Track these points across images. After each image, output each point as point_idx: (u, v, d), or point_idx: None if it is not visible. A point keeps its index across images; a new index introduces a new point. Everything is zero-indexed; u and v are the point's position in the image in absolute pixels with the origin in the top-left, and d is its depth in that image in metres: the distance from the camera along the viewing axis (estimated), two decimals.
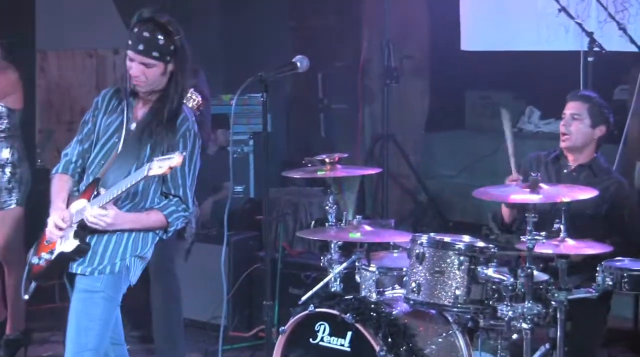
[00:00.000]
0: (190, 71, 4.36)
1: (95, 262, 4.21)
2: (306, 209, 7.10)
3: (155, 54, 4.14)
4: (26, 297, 4.39)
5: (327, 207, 5.31)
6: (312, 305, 4.79)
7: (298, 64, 4.42)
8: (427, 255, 4.68)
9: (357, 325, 4.60)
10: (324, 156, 5.37)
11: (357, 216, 5.21)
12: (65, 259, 4.21)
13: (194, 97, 5.38)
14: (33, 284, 4.35)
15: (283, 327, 4.83)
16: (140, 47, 4.13)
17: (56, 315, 7.00)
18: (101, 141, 4.31)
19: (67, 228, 4.20)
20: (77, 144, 4.42)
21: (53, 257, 4.23)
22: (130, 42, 4.17)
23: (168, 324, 5.71)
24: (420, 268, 4.69)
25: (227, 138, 7.68)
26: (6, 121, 6.04)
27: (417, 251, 4.71)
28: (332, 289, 5.16)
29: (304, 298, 5.13)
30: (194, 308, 6.38)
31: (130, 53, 4.18)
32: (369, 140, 8.27)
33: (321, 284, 5.20)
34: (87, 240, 4.19)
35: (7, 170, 6.05)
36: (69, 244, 4.18)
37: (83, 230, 4.18)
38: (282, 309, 5.92)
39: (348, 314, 4.63)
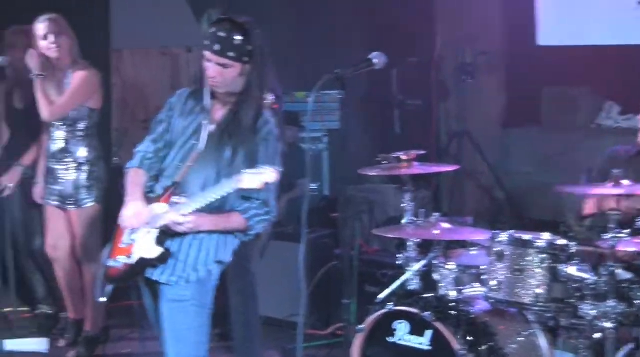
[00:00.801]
0: (269, 72, 4.30)
1: (179, 270, 4.17)
2: (381, 206, 7.05)
3: (231, 54, 4.08)
4: (103, 300, 4.34)
5: (404, 205, 5.26)
6: (390, 303, 4.77)
7: (375, 60, 4.33)
8: (507, 253, 4.64)
9: (437, 324, 4.58)
10: (401, 153, 5.33)
11: (435, 214, 5.16)
12: (145, 264, 4.16)
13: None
14: (109, 287, 4.29)
15: (361, 326, 4.81)
16: (217, 47, 4.07)
17: (134, 312, 7.05)
18: (178, 144, 4.26)
19: (147, 232, 4.15)
20: (151, 143, 4.37)
21: (133, 262, 4.17)
22: (207, 43, 4.12)
23: (246, 322, 5.69)
24: (500, 266, 4.64)
25: (295, 135, 7.65)
26: (86, 121, 6.10)
27: (497, 249, 4.66)
28: (410, 288, 5.12)
29: (381, 296, 5.11)
30: (270, 306, 6.38)
31: (206, 53, 4.13)
32: (444, 136, 8.20)
33: (399, 282, 5.16)
34: (168, 246, 4.14)
35: (85, 168, 6.10)
36: (151, 251, 4.13)
37: (164, 235, 4.13)
38: (358, 307, 5.87)
39: (427, 313, 4.60)
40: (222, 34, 4.08)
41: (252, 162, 4.08)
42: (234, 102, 4.21)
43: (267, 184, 3.93)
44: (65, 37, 6.03)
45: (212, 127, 4.21)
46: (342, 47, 8.34)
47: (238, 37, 4.08)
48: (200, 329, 4.21)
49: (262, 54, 4.16)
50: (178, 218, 4.02)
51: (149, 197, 4.26)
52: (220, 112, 4.25)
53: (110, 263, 4.26)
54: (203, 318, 4.23)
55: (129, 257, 4.18)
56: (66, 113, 6.03)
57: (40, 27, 6.00)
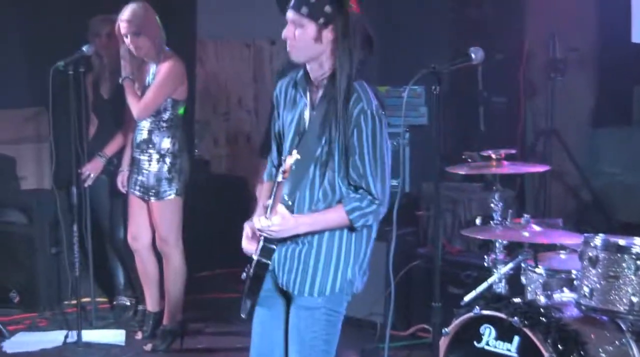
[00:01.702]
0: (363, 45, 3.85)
1: (310, 280, 3.88)
2: (465, 205, 6.88)
3: (304, 10, 3.73)
4: (243, 316, 4.02)
5: (492, 205, 5.12)
6: (477, 307, 4.63)
7: (473, 55, 4.14)
8: (600, 258, 4.44)
9: (525, 330, 4.42)
10: (490, 152, 5.19)
11: (525, 215, 5.01)
12: (259, 265, 3.88)
13: None
14: (248, 302, 3.97)
15: (446, 329, 4.67)
16: (292, 2, 3.78)
17: (211, 306, 7.03)
18: (288, 139, 3.94)
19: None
20: (274, 145, 4.10)
21: (252, 268, 3.91)
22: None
23: None
24: (594, 272, 4.45)
25: None
26: (169, 112, 6.02)
27: (590, 254, 4.46)
28: (497, 291, 4.97)
29: (467, 299, 4.98)
30: (349, 304, 6.25)
31: (287, 14, 3.82)
32: (530, 135, 8.00)
33: (485, 284, 5.02)
34: (271, 245, 3.86)
35: (168, 160, 6.03)
36: (258, 248, 3.89)
37: (266, 241, 3.87)
38: (441, 308, 5.74)
39: (515, 318, 4.45)
40: None
41: (346, 152, 3.78)
42: (325, 85, 3.85)
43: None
44: (145, 35, 5.91)
45: (310, 115, 3.88)
46: (427, 41, 8.19)
47: None
48: (328, 336, 3.94)
49: (348, 20, 3.79)
50: (263, 223, 3.76)
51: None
52: (317, 98, 3.89)
53: (243, 276, 4.00)
54: (334, 327, 3.96)
55: (250, 265, 3.95)
56: (155, 109, 5.97)
57: (121, 26, 5.92)
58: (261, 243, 3.87)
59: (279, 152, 4.08)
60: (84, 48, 6.11)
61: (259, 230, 3.81)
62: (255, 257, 3.89)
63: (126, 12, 5.90)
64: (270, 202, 3.80)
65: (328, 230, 3.85)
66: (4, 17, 7.74)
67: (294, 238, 3.88)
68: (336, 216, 3.81)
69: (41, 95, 6.30)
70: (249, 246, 3.97)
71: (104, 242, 6.87)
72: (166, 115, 6.00)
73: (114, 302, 7.02)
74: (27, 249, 7.08)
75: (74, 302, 6.47)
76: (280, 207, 3.76)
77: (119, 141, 6.55)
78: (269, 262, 3.88)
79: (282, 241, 3.88)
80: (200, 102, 8.73)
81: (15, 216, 7.15)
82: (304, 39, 3.78)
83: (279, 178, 3.75)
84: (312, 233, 3.86)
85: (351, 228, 3.85)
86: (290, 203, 3.82)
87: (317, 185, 3.85)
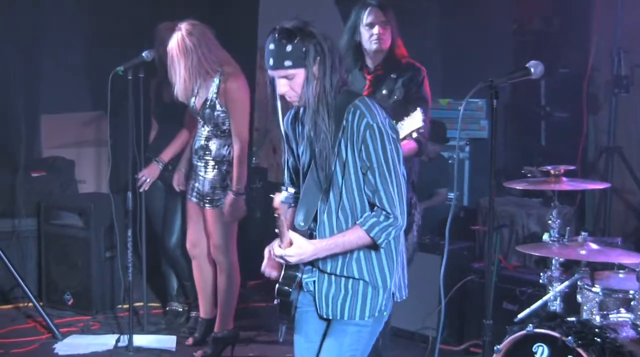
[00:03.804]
0: (341, 66, 3.85)
1: (360, 306, 3.88)
2: (523, 220, 6.78)
3: (288, 63, 3.73)
4: (280, 340, 4.04)
5: (549, 222, 5.03)
6: (531, 324, 4.55)
7: (532, 69, 4.07)
8: None
9: (579, 350, 4.33)
10: (549, 168, 5.10)
11: (583, 233, 4.91)
12: (281, 293, 3.92)
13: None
14: (283, 328, 4.01)
15: (498, 346, 4.59)
16: (270, 62, 3.76)
17: (263, 315, 7.01)
18: (302, 172, 3.97)
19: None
20: (286, 173, 4.11)
21: (276, 291, 3.94)
22: (266, 63, 3.83)
23: None
24: None
25: (437, 151, 7.44)
26: (228, 121, 5.99)
27: None
28: (551, 309, 4.88)
29: (521, 316, 4.90)
30: (401, 317, 6.21)
31: (269, 73, 3.83)
32: (591, 151, 7.88)
33: (540, 302, 4.94)
34: (298, 271, 3.91)
35: (223, 168, 5.98)
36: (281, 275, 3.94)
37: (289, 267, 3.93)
38: (494, 324, 5.65)
39: (570, 337, 4.36)
40: (271, 47, 3.76)
41: (360, 169, 3.80)
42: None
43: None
44: (190, 58, 5.87)
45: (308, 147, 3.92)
46: (490, 54, 8.12)
47: (288, 44, 3.71)
48: (364, 353, 3.97)
49: (324, 52, 3.76)
50: (277, 252, 3.79)
51: None
52: None
53: (275, 302, 4.00)
54: (370, 344, 3.98)
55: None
56: (248, 129, 5.99)
57: (168, 52, 5.95)
58: (283, 271, 3.89)
59: (292, 180, 4.08)
60: (144, 54, 6.12)
61: (276, 257, 3.83)
62: (277, 286, 3.91)
63: (174, 38, 5.90)
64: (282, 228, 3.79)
65: (351, 251, 3.83)
66: (66, 21, 7.82)
67: (331, 269, 3.89)
68: (355, 236, 3.79)
69: (102, 99, 6.31)
70: (269, 269, 3.99)
71: (157, 247, 6.88)
72: (225, 126, 5.96)
73: (167, 308, 7.03)
74: (83, 253, 7.13)
75: (127, 306, 6.50)
76: (295, 236, 3.79)
77: (175, 147, 6.54)
78: (290, 289, 3.90)
79: (320, 271, 3.91)
80: (259, 110, 8.71)
81: (72, 219, 7.19)
82: (301, 85, 3.77)
83: (275, 215, 3.79)
84: (348, 263, 3.87)
85: (375, 246, 3.82)
86: (306, 228, 3.85)
87: (333, 207, 3.85)
